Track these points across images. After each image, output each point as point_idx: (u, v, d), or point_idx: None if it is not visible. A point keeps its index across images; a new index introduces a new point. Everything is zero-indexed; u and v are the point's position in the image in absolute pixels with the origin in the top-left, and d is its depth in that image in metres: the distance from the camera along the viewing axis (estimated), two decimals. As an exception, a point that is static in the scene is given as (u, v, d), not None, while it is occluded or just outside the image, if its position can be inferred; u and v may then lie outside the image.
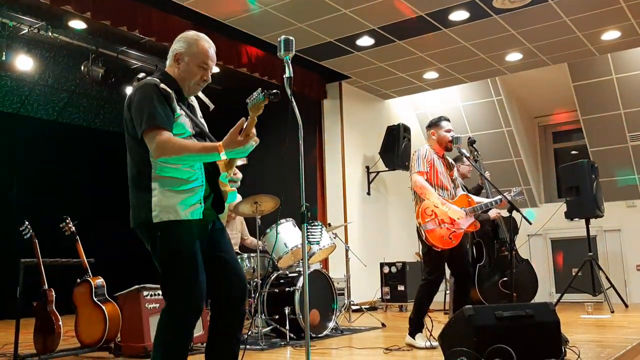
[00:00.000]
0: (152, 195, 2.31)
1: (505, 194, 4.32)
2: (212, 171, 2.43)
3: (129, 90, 7.50)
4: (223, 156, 2.27)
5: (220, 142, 2.27)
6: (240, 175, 2.61)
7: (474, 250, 5.79)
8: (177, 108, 2.37)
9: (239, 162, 2.48)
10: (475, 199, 4.41)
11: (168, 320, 2.33)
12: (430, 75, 8.03)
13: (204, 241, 2.42)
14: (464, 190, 4.54)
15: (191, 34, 2.50)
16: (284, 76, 2.62)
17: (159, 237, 2.32)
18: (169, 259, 2.33)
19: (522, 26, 6.49)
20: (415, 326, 4.18)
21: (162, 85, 2.35)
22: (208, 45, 2.49)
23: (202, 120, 2.61)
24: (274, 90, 2.25)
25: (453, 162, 4.47)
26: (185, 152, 2.28)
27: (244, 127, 2.27)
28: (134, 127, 2.35)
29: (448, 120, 4.41)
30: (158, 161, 2.31)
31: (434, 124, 4.40)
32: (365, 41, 6.85)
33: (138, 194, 2.37)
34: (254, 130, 2.29)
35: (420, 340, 4.13)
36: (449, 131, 4.31)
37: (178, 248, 2.32)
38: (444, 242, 4.09)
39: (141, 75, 2.36)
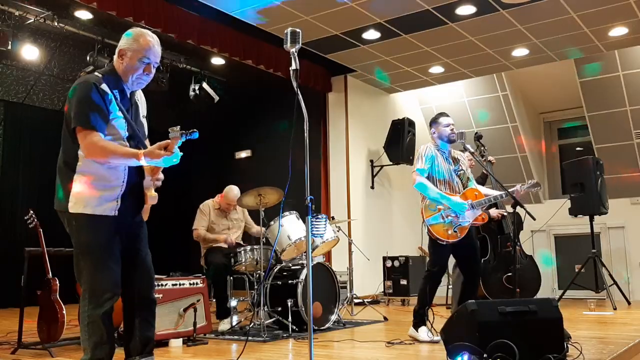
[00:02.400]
0: (72, 187, 2.50)
1: (519, 185, 4.32)
2: (136, 174, 2.60)
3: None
4: (143, 162, 2.45)
5: (142, 151, 2.45)
6: (161, 176, 2.70)
7: (479, 246, 5.78)
8: (117, 109, 2.51)
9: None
10: (483, 190, 4.42)
11: (83, 306, 2.54)
12: (436, 69, 8.00)
13: (122, 234, 2.59)
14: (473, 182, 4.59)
15: (136, 30, 2.65)
16: (290, 68, 2.63)
17: (74, 226, 2.52)
18: (83, 248, 2.53)
19: (529, 21, 6.45)
20: (419, 319, 4.21)
21: (102, 86, 2.49)
22: (151, 40, 2.62)
23: (143, 120, 2.76)
24: (192, 130, 2.43)
25: (459, 156, 4.47)
26: (110, 155, 2.46)
27: (167, 146, 2.44)
28: (70, 120, 2.50)
29: (447, 115, 4.45)
30: (86, 157, 2.48)
31: (433, 122, 4.46)
32: (372, 34, 6.83)
33: (61, 182, 2.56)
34: (176, 149, 2.43)
35: (423, 333, 4.15)
36: (447, 125, 4.35)
37: (91, 239, 2.51)
38: (449, 236, 4.14)
39: (89, 69, 2.54)
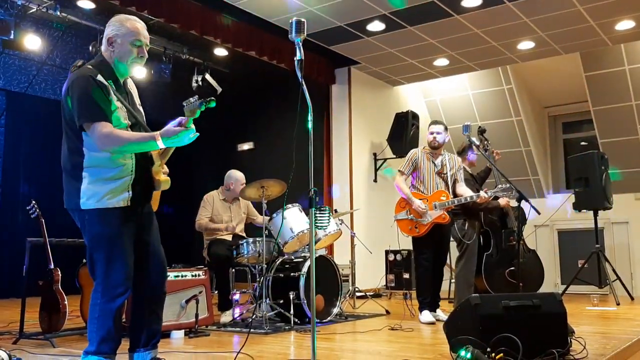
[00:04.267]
0: (82, 184, 2.49)
1: (485, 190, 4.82)
2: (143, 161, 2.59)
3: (136, 70, 7.48)
4: (160, 144, 2.42)
5: (158, 132, 2.43)
6: (166, 170, 2.72)
7: (482, 239, 5.76)
8: (114, 99, 2.50)
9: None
10: (462, 192, 4.93)
11: (96, 299, 2.52)
12: (441, 62, 7.95)
13: (132, 225, 2.58)
14: (471, 179, 5.09)
15: (121, 16, 2.62)
16: (295, 58, 2.60)
17: (87, 220, 2.52)
18: (96, 242, 2.53)
19: (535, 14, 6.40)
20: (419, 305, 4.89)
21: (99, 78, 2.47)
22: (138, 24, 2.61)
23: (140, 108, 2.75)
24: (210, 98, 2.44)
25: (449, 161, 4.96)
26: (127, 142, 2.44)
27: (182, 122, 2.44)
28: (72, 117, 2.48)
29: (435, 123, 5.02)
30: (90, 152, 2.47)
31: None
32: (376, 26, 6.78)
33: (70, 180, 2.54)
34: (191, 124, 2.45)
35: (421, 316, 4.79)
36: (431, 133, 4.96)
37: (104, 232, 2.50)
38: (409, 231, 4.86)
39: (79, 62, 2.52)
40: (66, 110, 2.52)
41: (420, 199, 4.83)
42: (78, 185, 2.50)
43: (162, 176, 2.61)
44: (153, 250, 2.70)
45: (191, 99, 2.41)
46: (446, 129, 5.04)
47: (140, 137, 2.47)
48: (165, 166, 2.68)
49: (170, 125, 2.43)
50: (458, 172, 5.01)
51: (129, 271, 2.54)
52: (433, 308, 4.96)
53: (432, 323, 4.68)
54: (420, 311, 4.85)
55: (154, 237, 2.73)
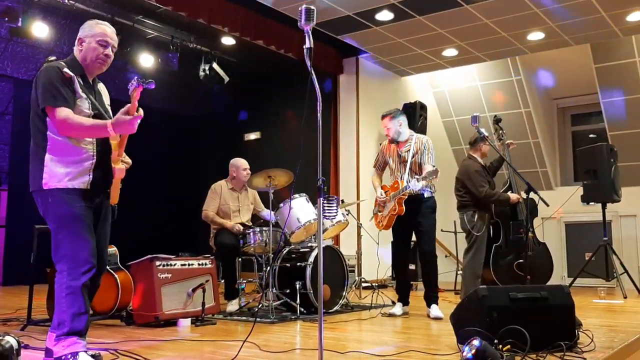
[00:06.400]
0: (44, 166, 2.66)
1: (417, 177, 4.59)
2: (104, 148, 2.73)
3: (143, 59, 7.49)
4: (111, 131, 2.58)
5: (109, 121, 2.61)
6: (129, 160, 2.88)
7: (491, 230, 5.71)
8: (79, 91, 2.69)
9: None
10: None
11: (60, 277, 2.59)
12: (450, 52, 7.89)
13: (91, 211, 2.70)
14: (482, 170, 5.12)
15: (92, 21, 2.94)
16: (304, 47, 2.58)
17: (50, 202, 2.65)
18: (61, 221, 2.63)
19: (546, 4, 6.33)
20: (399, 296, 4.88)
21: (65, 69, 2.68)
22: (108, 28, 2.86)
23: (107, 107, 2.93)
24: (149, 80, 2.57)
25: (412, 147, 4.77)
26: (81, 127, 2.62)
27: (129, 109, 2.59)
28: (38, 104, 2.69)
29: (382, 117, 5.01)
30: (53, 136, 2.65)
31: None
32: (385, 15, 6.72)
33: (34, 163, 2.73)
34: (140, 111, 2.60)
35: (394, 308, 4.76)
36: (385, 127, 4.96)
37: (67, 211, 2.62)
38: (378, 225, 4.90)
39: (52, 57, 2.75)
40: (33, 99, 2.72)
41: (385, 191, 4.77)
42: (41, 167, 2.66)
43: (119, 164, 2.71)
44: (99, 247, 2.76)
45: (132, 80, 2.51)
46: (395, 116, 4.89)
47: (94, 122, 2.64)
48: (125, 156, 2.83)
49: (120, 114, 2.57)
50: (423, 155, 4.74)
51: (92, 248, 2.63)
52: (429, 303, 4.68)
53: (389, 315, 4.66)
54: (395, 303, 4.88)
55: (103, 234, 2.83)
